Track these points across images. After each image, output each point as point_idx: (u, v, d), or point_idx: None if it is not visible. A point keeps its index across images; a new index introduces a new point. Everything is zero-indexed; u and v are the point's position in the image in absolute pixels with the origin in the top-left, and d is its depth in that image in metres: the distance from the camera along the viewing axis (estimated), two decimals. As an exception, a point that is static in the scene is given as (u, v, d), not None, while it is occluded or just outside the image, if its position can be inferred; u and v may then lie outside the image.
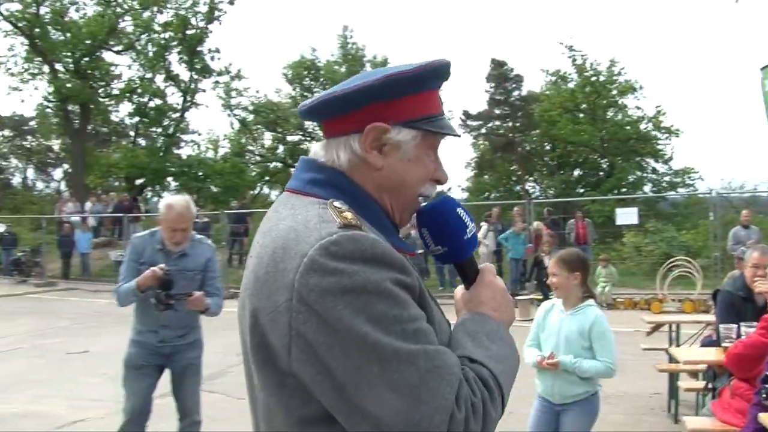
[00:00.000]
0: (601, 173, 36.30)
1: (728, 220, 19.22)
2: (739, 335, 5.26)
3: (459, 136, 1.77)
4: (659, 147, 35.62)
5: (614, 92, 36.19)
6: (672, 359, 7.79)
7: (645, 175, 35.92)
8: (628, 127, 35.47)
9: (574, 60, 36.04)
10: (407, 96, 1.63)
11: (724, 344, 5.44)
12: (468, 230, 1.72)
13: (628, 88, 35.95)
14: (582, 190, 35.21)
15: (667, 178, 35.26)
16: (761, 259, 5.63)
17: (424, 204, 1.73)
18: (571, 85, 36.88)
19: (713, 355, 5.88)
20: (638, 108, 36.18)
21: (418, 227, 1.75)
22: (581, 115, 35.69)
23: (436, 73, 1.66)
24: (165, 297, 5.15)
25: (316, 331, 1.42)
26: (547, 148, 37.99)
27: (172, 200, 5.33)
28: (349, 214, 1.54)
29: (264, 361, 1.52)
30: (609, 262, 18.01)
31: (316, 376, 1.44)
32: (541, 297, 15.94)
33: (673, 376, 7.88)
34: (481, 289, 1.74)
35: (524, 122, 38.60)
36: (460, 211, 1.72)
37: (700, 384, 6.96)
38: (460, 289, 1.83)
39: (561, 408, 4.90)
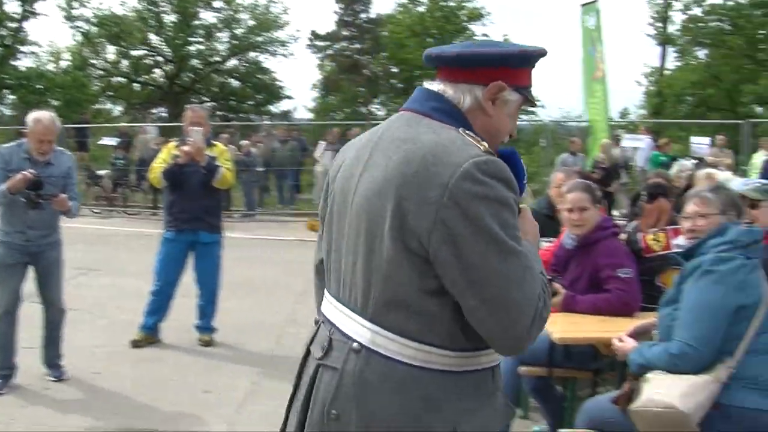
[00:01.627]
0: (445, 97, 36.58)
1: (560, 148, 20.10)
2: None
3: (537, 106, 2.44)
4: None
5: (463, 18, 36.66)
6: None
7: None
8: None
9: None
10: (524, 68, 2.13)
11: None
12: (525, 176, 2.15)
13: (476, 14, 36.56)
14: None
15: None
16: (564, 179, 6.01)
17: (502, 148, 2.16)
18: (421, 9, 37.06)
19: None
20: (485, 35, 36.89)
21: None
22: (430, 39, 36.07)
23: (542, 57, 2.16)
24: (35, 196, 5.85)
25: (458, 223, 1.86)
26: (394, 71, 38.30)
27: (39, 115, 6.00)
28: (485, 144, 1.98)
29: (397, 239, 1.92)
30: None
31: (449, 257, 1.87)
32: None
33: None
34: (524, 223, 2.11)
35: (372, 45, 38.69)
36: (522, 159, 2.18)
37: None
38: None
39: None
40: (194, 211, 7.17)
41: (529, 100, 2.18)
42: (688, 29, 30.59)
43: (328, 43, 40.21)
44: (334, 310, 2.14)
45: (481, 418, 2.05)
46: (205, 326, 7.55)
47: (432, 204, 1.87)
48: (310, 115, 38.06)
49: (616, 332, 4.04)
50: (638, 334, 3.93)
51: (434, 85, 2.14)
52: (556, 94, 73.27)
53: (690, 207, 3.89)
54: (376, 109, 37.99)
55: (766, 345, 3.41)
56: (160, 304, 7.37)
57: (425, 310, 1.96)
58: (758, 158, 16.10)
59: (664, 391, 3.39)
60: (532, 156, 23.70)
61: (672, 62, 33.94)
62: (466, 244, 1.86)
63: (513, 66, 2.11)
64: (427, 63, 2.18)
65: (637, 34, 79.58)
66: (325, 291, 2.24)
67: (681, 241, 4.32)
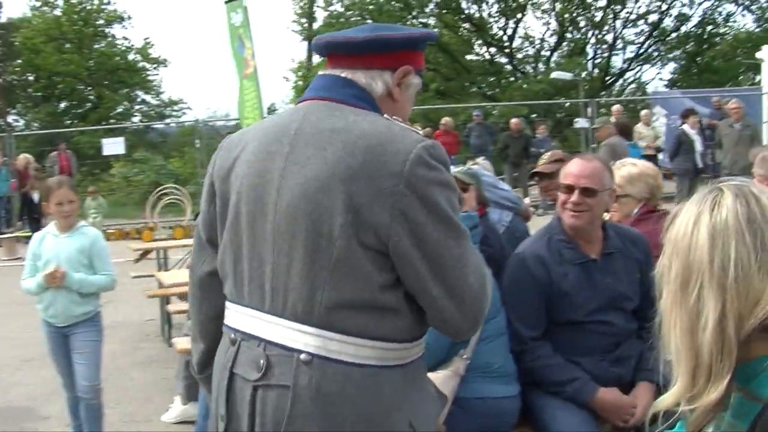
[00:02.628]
0: (89, 104, 35.44)
1: (214, 148, 19.85)
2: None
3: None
4: (149, 78, 36.04)
5: (101, 21, 35.35)
6: (161, 284, 7.87)
7: (134, 105, 36.15)
8: (117, 58, 35.03)
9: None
10: (422, 51, 2.14)
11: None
12: None
13: (116, 17, 35.40)
14: (69, 122, 33.97)
15: (158, 109, 35.83)
16: None
17: None
18: (57, 12, 35.11)
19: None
20: (125, 38, 36.02)
21: None
22: (68, 44, 34.28)
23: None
24: None
25: (417, 212, 1.82)
26: (31, 78, 35.83)
27: None
28: (418, 128, 2.11)
29: (352, 236, 1.82)
30: (98, 194, 17.64)
31: (410, 248, 1.83)
32: (29, 234, 15.08)
33: (164, 301, 7.97)
34: None
35: (5, 51, 35.82)
36: None
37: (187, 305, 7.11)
38: None
39: (68, 330, 4.80)
40: None
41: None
42: (331, 25, 31.69)
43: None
44: (260, 323, 1.95)
45: (427, 408, 2.03)
46: None
47: (387, 195, 1.82)
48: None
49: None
50: None
51: (341, 72, 2.06)
52: (205, 93, 73.17)
53: None
54: (14, 120, 35.16)
55: (495, 330, 3.34)
56: None
57: (385, 305, 1.89)
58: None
59: None
60: (186, 158, 23.29)
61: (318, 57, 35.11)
62: (426, 233, 1.84)
63: (417, 49, 2.11)
64: (318, 51, 2.14)
65: (284, 30, 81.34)
66: (232, 304, 2.04)
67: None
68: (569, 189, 3.37)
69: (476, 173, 4.35)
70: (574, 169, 3.39)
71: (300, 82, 34.19)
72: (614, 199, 3.65)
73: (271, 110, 35.55)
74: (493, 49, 34.63)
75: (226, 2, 13.20)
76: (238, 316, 2.02)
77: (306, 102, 2.05)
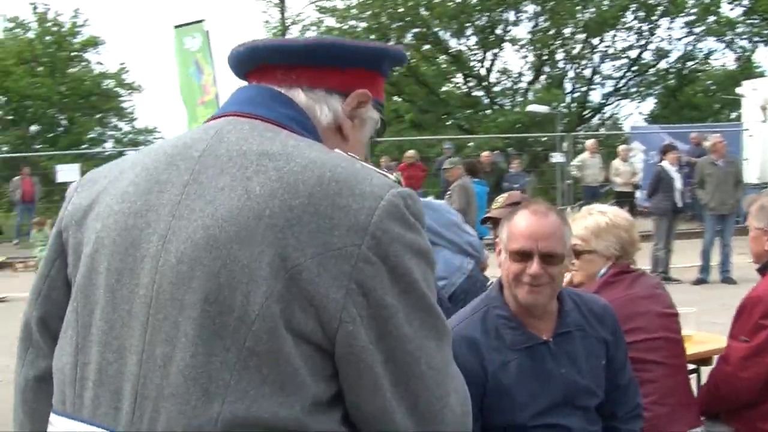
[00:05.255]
0: (60, 129, 35.08)
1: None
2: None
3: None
4: (122, 103, 35.97)
5: (76, 45, 35.01)
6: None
7: (106, 131, 35.93)
8: (88, 83, 34.72)
9: (35, 7, 34.03)
10: (384, 75, 1.55)
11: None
12: None
13: (91, 41, 35.07)
14: (39, 146, 33.37)
15: (131, 136, 35.47)
16: None
17: None
18: (30, 34, 34.63)
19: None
20: (100, 63, 35.89)
21: None
22: (40, 68, 33.83)
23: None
24: None
25: (384, 289, 1.20)
26: (1, 101, 35.32)
27: None
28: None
29: (278, 316, 1.17)
30: (44, 225, 16.76)
31: (368, 344, 1.20)
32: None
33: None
34: None
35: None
36: None
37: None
38: None
39: None
40: None
41: (382, 122, 1.57)
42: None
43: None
44: None
45: None
46: None
47: (342, 257, 1.19)
48: None
49: None
50: None
51: (275, 86, 1.44)
52: (181, 120, 73.50)
53: None
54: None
55: None
56: None
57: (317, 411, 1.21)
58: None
59: None
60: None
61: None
62: (395, 324, 1.21)
63: (379, 70, 1.52)
64: (239, 62, 1.50)
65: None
66: (60, 418, 1.32)
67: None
68: (524, 256, 2.50)
69: None
70: (527, 228, 2.52)
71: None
72: (572, 255, 2.91)
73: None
74: (471, 82, 34.35)
75: (175, 27, 12.73)
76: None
77: (219, 119, 1.41)
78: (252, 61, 1.48)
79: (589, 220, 3.34)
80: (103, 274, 1.30)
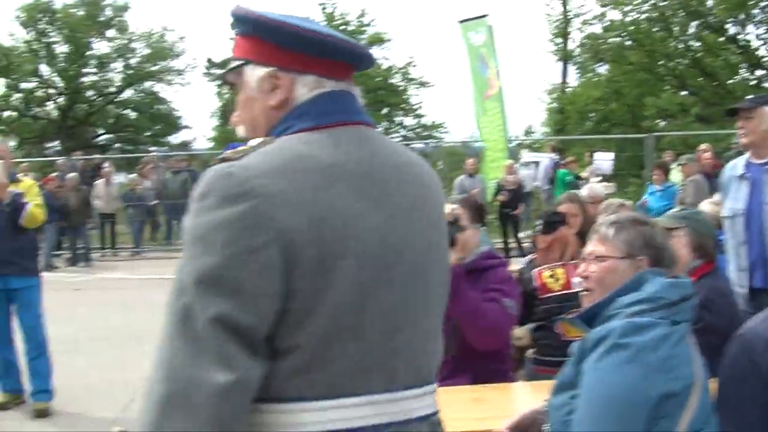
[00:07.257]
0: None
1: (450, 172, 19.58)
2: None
3: None
4: (411, 99, 36.30)
5: (363, 42, 36.36)
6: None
7: (393, 128, 36.43)
8: (378, 79, 35.47)
9: (324, 8, 35.82)
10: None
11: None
12: None
13: (377, 38, 36.10)
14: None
15: (418, 130, 36.02)
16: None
17: None
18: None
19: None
20: (386, 58, 36.69)
21: None
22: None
23: None
24: None
25: None
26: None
27: None
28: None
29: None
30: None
31: None
32: None
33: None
34: None
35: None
36: None
37: None
38: None
39: None
40: (1, 253, 6.17)
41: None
42: (588, 45, 30.60)
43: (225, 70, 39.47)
44: (393, 405, 1.59)
45: None
46: (40, 389, 6.34)
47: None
48: (211, 145, 36.85)
49: (493, 421, 2.83)
50: (520, 429, 2.68)
51: (352, 89, 1.72)
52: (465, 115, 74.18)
53: (589, 245, 2.72)
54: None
55: None
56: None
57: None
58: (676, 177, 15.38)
59: None
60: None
61: (574, 78, 34.12)
62: None
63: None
64: (366, 61, 1.79)
65: (540, 50, 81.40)
66: (334, 400, 1.53)
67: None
68: None
69: (690, 214, 3.56)
70: None
71: (553, 104, 33.33)
72: None
73: (528, 132, 34.91)
74: (761, 72, 31.73)
75: (460, 22, 12.93)
76: (358, 411, 1.54)
77: (355, 127, 1.65)
78: (368, 59, 1.81)
79: None
80: (367, 277, 1.61)
